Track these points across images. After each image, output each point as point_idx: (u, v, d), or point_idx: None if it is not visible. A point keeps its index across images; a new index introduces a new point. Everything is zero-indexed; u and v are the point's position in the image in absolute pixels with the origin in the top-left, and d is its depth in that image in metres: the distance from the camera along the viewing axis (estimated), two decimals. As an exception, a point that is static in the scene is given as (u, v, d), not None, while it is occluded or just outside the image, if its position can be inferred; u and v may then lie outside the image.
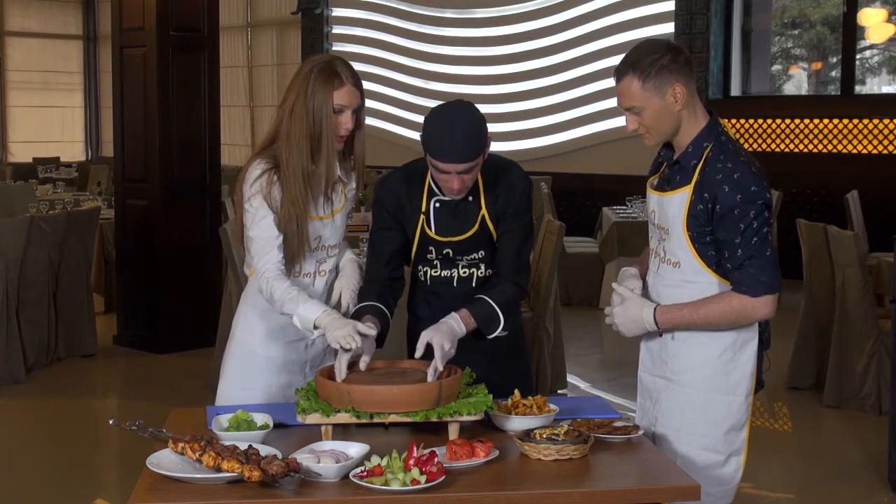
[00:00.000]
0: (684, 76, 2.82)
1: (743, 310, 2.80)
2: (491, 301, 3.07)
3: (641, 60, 2.80)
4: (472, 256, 3.17)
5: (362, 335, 2.87)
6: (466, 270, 3.19)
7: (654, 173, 3.05)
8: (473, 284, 3.18)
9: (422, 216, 3.15)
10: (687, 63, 2.84)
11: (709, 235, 2.82)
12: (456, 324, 2.98)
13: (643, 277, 3.07)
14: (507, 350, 3.22)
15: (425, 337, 2.92)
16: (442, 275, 3.19)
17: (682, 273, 2.88)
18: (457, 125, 2.96)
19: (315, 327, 2.95)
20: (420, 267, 3.23)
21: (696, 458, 2.90)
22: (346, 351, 2.83)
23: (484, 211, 3.13)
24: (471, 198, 3.13)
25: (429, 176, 3.13)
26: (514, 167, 3.20)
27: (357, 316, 3.04)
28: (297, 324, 2.99)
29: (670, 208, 2.88)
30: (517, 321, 3.27)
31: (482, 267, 3.18)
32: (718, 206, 2.77)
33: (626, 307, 2.93)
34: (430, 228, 3.15)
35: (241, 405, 2.99)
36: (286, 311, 3.01)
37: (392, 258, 3.20)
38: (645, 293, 3.00)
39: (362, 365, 2.86)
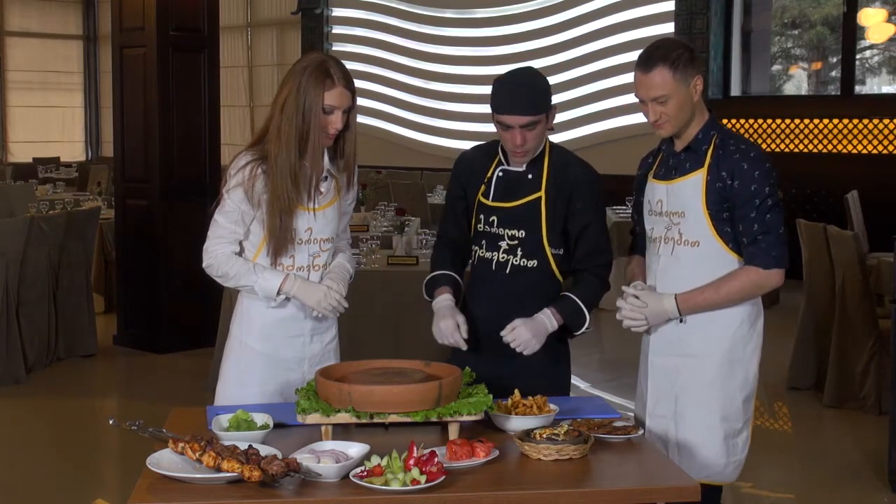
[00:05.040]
0: (700, 71, 3.09)
1: (758, 281, 3.02)
2: (575, 297, 3.17)
3: (670, 54, 3.03)
4: (513, 233, 3.20)
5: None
6: (505, 255, 3.22)
7: (647, 166, 3.24)
8: (507, 272, 3.21)
9: (483, 186, 3.26)
10: (701, 60, 3.15)
11: (725, 213, 3.02)
12: (547, 319, 3.13)
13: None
14: (554, 356, 3.25)
15: (515, 323, 3.10)
16: (487, 256, 3.26)
17: (700, 252, 3.05)
18: (521, 81, 3.13)
19: (278, 293, 3.12)
20: (474, 247, 3.32)
21: (717, 429, 3.06)
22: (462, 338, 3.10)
23: (542, 192, 3.20)
24: (531, 175, 3.21)
25: (499, 149, 3.25)
26: (579, 162, 3.28)
27: (433, 285, 3.26)
28: (259, 293, 3.13)
29: (683, 192, 3.05)
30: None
31: (518, 254, 3.21)
32: (737, 181, 2.98)
33: (649, 304, 3.07)
34: (486, 197, 3.25)
35: (239, 404, 3.00)
36: (245, 284, 3.15)
37: (463, 221, 3.34)
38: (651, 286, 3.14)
39: (464, 333, 3.12)
